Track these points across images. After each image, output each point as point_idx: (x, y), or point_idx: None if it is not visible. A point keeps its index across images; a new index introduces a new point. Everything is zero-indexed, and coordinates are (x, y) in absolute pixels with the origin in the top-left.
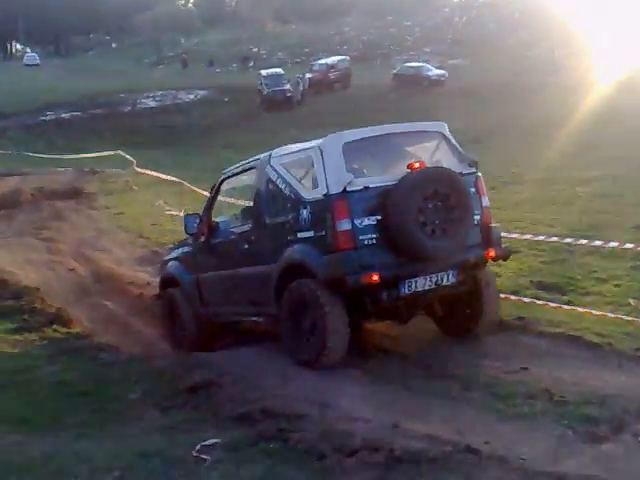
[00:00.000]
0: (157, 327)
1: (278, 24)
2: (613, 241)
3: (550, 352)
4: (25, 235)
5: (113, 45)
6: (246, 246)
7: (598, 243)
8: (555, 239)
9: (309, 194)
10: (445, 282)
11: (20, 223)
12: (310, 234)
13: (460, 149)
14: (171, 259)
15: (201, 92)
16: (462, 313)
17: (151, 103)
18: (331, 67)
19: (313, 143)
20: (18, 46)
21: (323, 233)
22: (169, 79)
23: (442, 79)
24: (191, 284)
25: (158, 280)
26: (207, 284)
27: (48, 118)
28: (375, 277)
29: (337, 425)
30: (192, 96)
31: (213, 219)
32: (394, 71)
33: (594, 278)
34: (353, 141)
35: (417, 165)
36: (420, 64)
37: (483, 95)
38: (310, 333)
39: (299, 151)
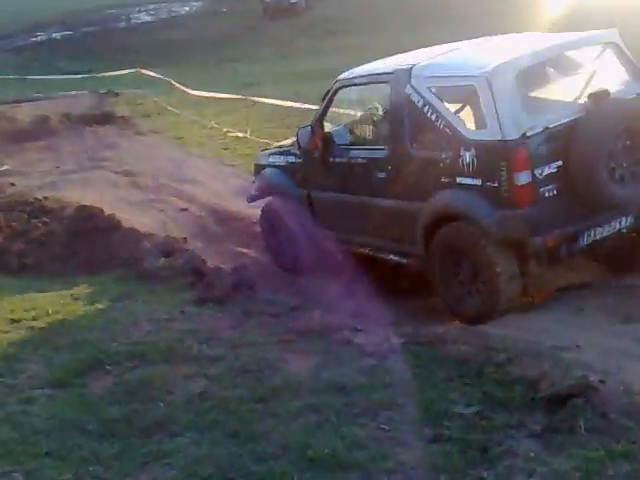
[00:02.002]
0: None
1: None
2: None
3: None
4: (91, 169)
5: None
6: (382, 175)
7: None
8: None
9: (474, 134)
10: (624, 225)
11: (71, 154)
12: (476, 182)
13: (636, 63)
14: (270, 166)
15: (196, 4)
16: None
17: (146, 17)
18: None
19: (476, 69)
20: None
21: (496, 185)
22: None
23: None
24: (302, 200)
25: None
26: (325, 205)
27: (39, 39)
28: (559, 239)
29: None
30: (187, 8)
31: (328, 131)
32: None
33: None
34: (525, 69)
35: (599, 96)
36: None
37: None
38: (472, 283)
39: (456, 77)
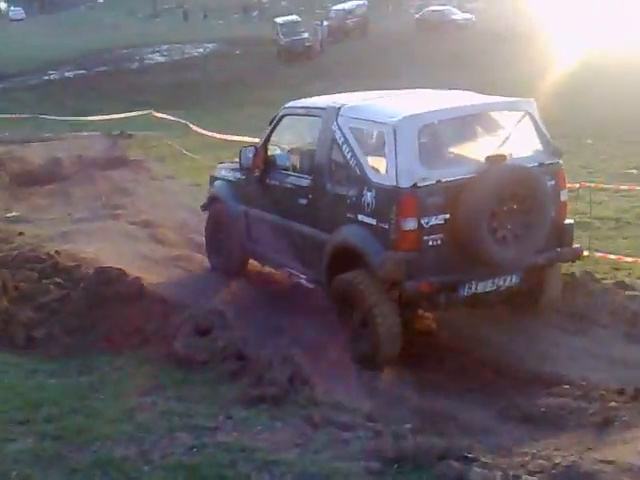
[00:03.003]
0: None
1: None
2: None
3: None
4: (106, 218)
5: (99, 0)
6: (303, 202)
7: None
8: None
9: (376, 177)
10: (508, 283)
11: (83, 200)
12: (372, 221)
13: (546, 133)
14: (221, 179)
15: (209, 45)
16: (522, 299)
17: (159, 58)
18: (348, 13)
19: (388, 117)
20: (2, 4)
21: (386, 226)
22: (170, 32)
23: (469, 23)
24: (239, 214)
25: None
26: (257, 223)
27: (52, 77)
28: (434, 286)
29: None
30: (201, 50)
31: (270, 154)
32: (417, 15)
33: None
34: (431, 124)
35: (496, 159)
36: (444, 7)
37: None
38: (361, 327)
39: (371, 121)
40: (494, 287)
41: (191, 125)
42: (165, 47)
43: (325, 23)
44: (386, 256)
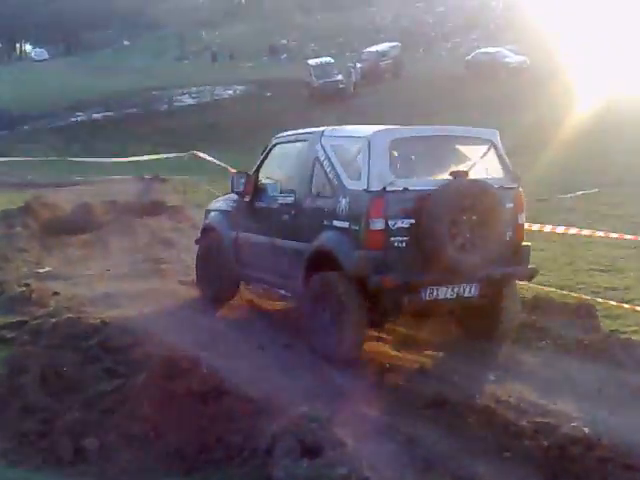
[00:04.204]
0: None
1: (301, 14)
2: None
3: None
4: (150, 275)
5: (125, 43)
6: (286, 218)
7: None
8: None
9: (350, 184)
10: (467, 294)
11: (121, 253)
12: (345, 225)
13: (508, 161)
14: (214, 210)
15: (239, 87)
16: (481, 319)
17: (188, 100)
18: (382, 55)
19: (364, 132)
20: (28, 46)
21: (357, 228)
22: (199, 74)
23: (524, 66)
24: (230, 240)
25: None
26: (245, 245)
27: (79, 119)
28: (396, 282)
29: None
30: (231, 91)
31: (261, 181)
32: (468, 58)
33: None
34: (401, 139)
35: (459, 174)
36: (496, 49)
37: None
38: (329, 325)
39: (349, 137)
40: (454, 295)
41: (230, 168)
42: (194, 89)
43: (358, 65)
44: (357, 255)
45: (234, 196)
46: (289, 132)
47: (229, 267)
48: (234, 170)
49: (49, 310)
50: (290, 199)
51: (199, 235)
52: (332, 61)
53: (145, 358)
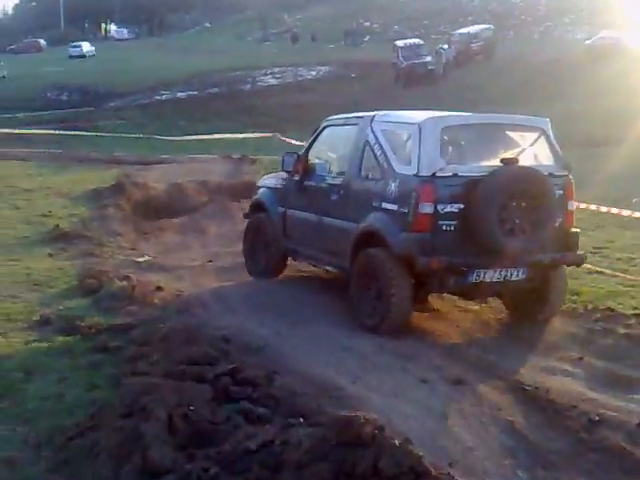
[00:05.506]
0: None
1: None
2: None
3: None
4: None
5: (207, 25)
6: (335, 198)
7: None
8: None
9: (401, 168)
10: (514, 277)
11: (221, 240)
12: (394, 207)
13: (558, 149)
14: (264, 187)
15: (323, 68)
16: (529, 299)
17: (271, 80)
18: (473, 37)
19: (415, 119)
20: (112, 27)
21: (406, 210)
22: (281, 56)
23: None
24: (279, 216)
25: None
26: (293, 221)
27: (164, 97)
28: (443, 264)
29: None
30: (314, 72)
31: (310, 161)
32: (587, 42)
33: None
34: (453, 126)
35: (510, 161)
36: (617, 34)
37: None
38: (376, 299)
39: (400, 123)
40: (501, 278)
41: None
42: (277, 70)
43: (448, 47)
44: (405, 236)
45: (284, 174)
46: (340, 115)
47: (277, 242)
48: None
49: (156, 312)
50: (339, 180)
51: (248, 210)
52: (422, 42)
53: (289, 395)
